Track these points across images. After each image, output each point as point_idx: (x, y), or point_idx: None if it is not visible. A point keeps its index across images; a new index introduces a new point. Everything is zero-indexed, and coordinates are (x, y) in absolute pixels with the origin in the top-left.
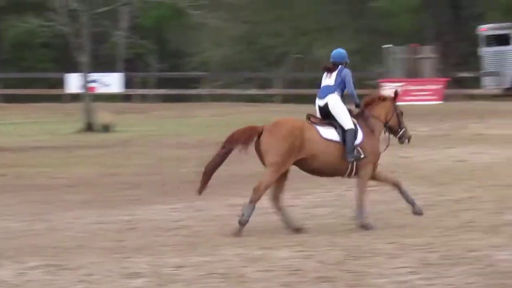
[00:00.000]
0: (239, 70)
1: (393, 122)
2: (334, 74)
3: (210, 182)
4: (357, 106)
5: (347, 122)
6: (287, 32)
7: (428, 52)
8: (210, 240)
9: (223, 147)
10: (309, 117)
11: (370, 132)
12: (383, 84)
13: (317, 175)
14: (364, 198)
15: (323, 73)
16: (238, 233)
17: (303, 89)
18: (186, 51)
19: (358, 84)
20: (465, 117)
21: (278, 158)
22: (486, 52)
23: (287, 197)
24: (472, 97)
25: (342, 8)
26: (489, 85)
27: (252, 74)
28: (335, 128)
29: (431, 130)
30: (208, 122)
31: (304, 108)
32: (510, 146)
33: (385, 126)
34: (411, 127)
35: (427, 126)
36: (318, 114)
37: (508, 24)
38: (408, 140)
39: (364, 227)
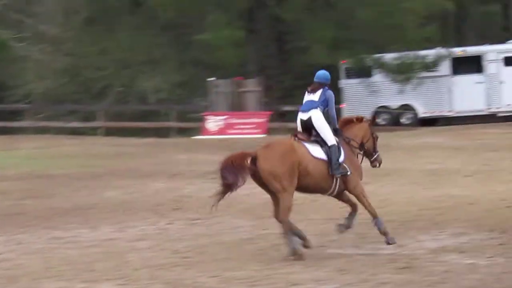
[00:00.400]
0: (62, 103)
1: (369, 145)
2: (319, 92)
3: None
4: (334, 130)
5: (330, 137)
6: (111, 65)
7: (252, 86)
8: (31, 273)
9: (222, 177)
10: (295, 134)
11: (350, 150)
12: (207, 117)
13: (302, 192)
14: (371, 207)
15: (306, 92)
16: (302, 258)
17: (127, 122)
18: (9, 84)
19: (182, 117)
20: None
21: (285, 182)
22: (346, 84)
23: (110, 230)
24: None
25: (167, 41)
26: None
27: (76, 107)
28: (321, 146)
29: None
30: (31, 154)
31: (128, 141)
32: None
33: (360, 148)
34: None
35: None
36: (299, 128)
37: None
38: (379, 165)
39: (386, 234)
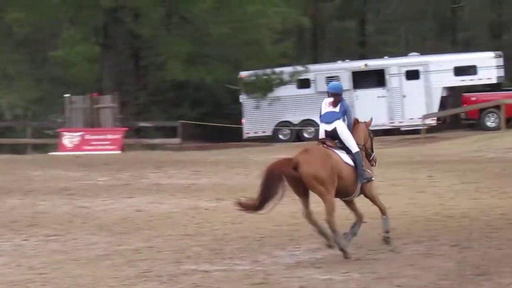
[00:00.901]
0: None
1: (368, 145)
2: (338, 104)
3: None
4: None
5: (354, 145)
6: None
7: (107, 102)
8: None
9: (269, 180)
10: (323, 141)
11: (364, 155)
12: (63, 133)
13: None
14: (384, 206)
15: (324, 103)
16: (349, 257)
17: None
18: None
19: (38, 133)
20: (145, 167)
21: (328, 185)
22: (247, 99)
23: None
24: (153, 147)
25: (22, 57)
26: (249, 132)
27: None
28: (347, 153)
29: (110, 179)
30: None
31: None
32: (187, 195)
33: (361, 149)
34: (90, 176)
35: (107, 175)
36: (322, 137)
37: (270, 70)
38: (375, 163)
39: (387, 232)
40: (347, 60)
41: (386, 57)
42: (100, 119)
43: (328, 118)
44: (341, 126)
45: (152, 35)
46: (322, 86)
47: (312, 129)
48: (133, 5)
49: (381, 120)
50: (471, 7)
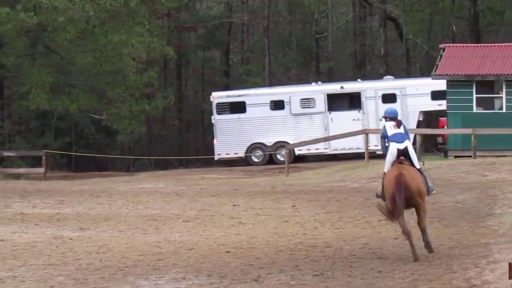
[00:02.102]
0: None
1: None
2: (401, 126)
3: None
4: None
5: (417, 162)
6: None
7: None
8: None
9: (401, 193)
10: (400, 161)
11: None
12: None
13: (409, 208)
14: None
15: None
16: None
17: None
18: None
19: None
20: (9, 196)
21: (424, 197)
22: (219, 119)
23: None
24: (17, 176)
25: None
26: (220, 153)
27: None
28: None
29: None
30: None
31: None
32: (51, 225)
33: None
34: None
35: None
36: (395, 156)
37: (243, 91)
38: None
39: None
40: (320, 82)
41: (359, 80)
42: None
43: (399, 138)
44: (409, 145)
45: (16, 64)
46: (297, 108)
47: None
48: None
49: (356, 144)
50: (334, 37)
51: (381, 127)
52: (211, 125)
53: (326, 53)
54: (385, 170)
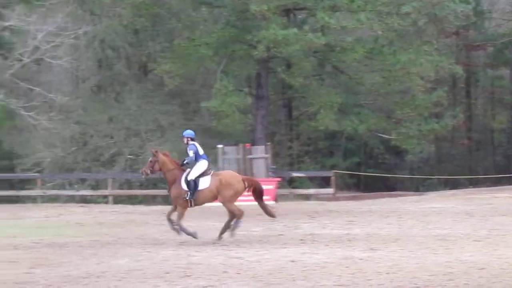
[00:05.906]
0: (72, 171)
1: None
2: None
3: None
4: None
5: None
6: (119, 133)
7: (260, 152)
8: None
9: None
10: None
11: None
12: None
13: None
14: None
15: None
16: None
17: (136, 190)
18: (18, 153)
19: None
20: (298, 217)
21: None
22: None
23: None
24: (306, 197)
25: (174, 108)
26: None
27: (85, 175)
28: None
29: (264, 230)
30: (41, 223)
31: (137, 209)
32: (341, 245)
33: None
34: (244, 227)
35: (260, 226)
36: None
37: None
38: None
39: None
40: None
41: None
42: (253, 169)
43: None
44: None
45: (304, 85)
46: None
47: None
48: (285, 55)
49: None
50: None
51: None
52: (501, 143)
53: None
54: None
